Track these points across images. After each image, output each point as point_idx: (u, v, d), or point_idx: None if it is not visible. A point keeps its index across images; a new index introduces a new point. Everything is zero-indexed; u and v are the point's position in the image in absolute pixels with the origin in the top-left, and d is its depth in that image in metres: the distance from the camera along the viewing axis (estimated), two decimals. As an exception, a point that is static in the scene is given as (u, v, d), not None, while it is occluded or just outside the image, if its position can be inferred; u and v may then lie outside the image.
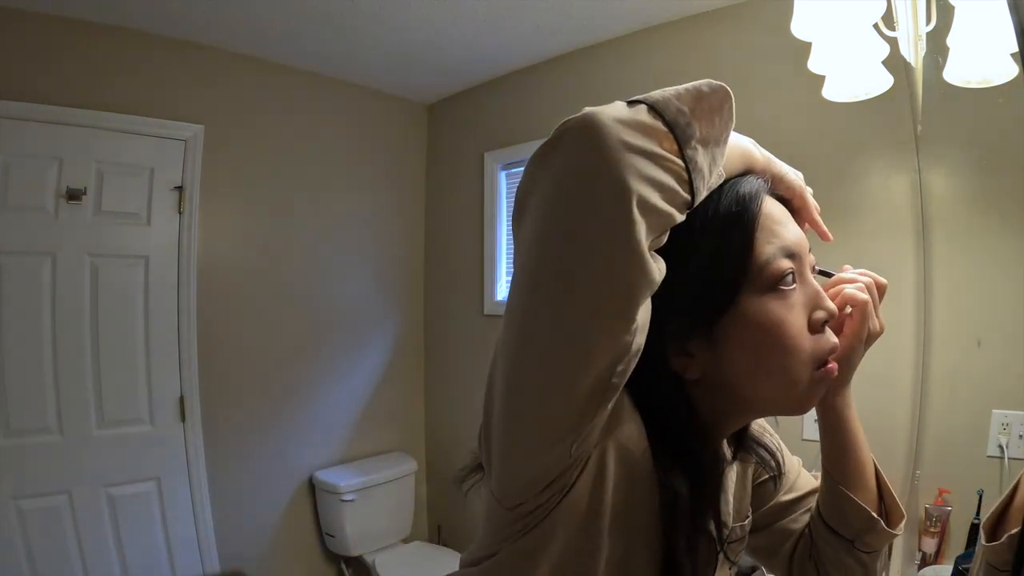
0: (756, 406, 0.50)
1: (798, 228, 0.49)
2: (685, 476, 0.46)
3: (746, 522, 0.59)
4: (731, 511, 0.56)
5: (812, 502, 0.62)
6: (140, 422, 1.92)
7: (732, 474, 0.57)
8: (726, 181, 0.46)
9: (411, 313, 2.69)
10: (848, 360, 0.51)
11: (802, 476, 0.66)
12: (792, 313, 0.45)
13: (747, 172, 0.48)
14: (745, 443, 0.58)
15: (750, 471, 0.61)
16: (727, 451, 0.55)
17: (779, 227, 0.47)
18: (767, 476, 0.63)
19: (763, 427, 0.63)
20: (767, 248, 0.45)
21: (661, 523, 0.45)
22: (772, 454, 0.61)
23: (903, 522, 0.57)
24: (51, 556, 1.73)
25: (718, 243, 0.44)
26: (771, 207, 0.48)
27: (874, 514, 0.55)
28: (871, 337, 0.52)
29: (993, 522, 0.56)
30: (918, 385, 1.38)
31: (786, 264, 0.45)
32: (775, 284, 0.45)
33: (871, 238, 1.49)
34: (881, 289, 0.53)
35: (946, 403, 1.32)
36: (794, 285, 0.46)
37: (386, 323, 2.60)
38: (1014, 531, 0.52)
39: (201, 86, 2.05)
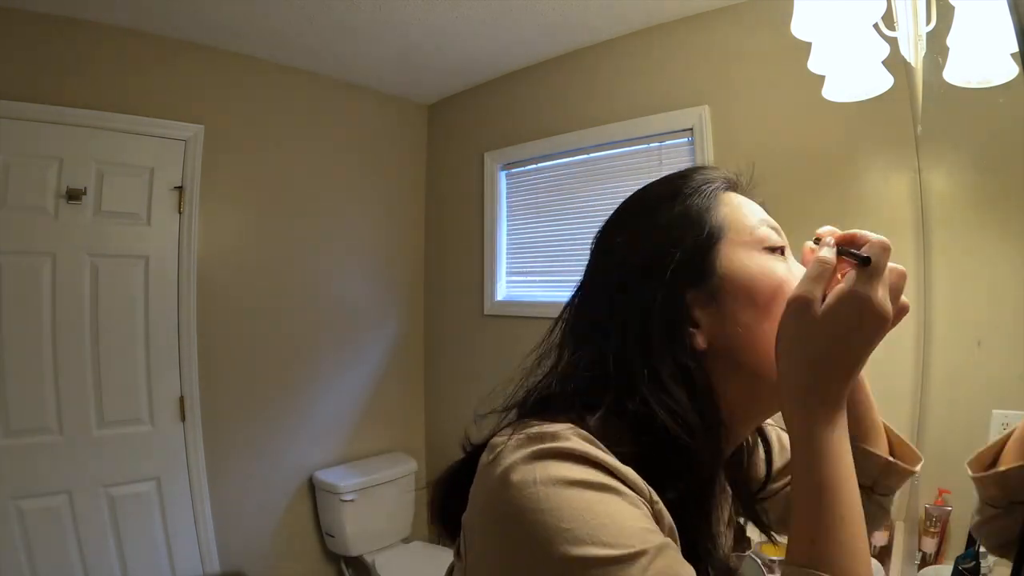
0: (764, 377, 0.47)
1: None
2: (685, 479, 0.45)
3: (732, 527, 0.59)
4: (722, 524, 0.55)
5: None
6: (140, 422, 1.92)
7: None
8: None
9: (411, 313, 2.69)
10: None
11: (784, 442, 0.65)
12: (791, 278, 0.48)
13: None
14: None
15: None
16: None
17: (759, 211, 0.53)
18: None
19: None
20: (753, 218, 0.51)
21: None
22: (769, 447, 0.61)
23: (920, 463, 0.59)
24: (51, 556, 1.73)
25: (688, 207, 0.50)
26: (743, 199, 0.53)
27: (890, 458, 0.58)
28: (899, 313, 0.46)
29: (986, 461, 0.62)
30: (918, 385, 1.38)
31: (775, 236, 0.50)
32: (765, 245, 0.49)
33: (871, 238, 1.49)
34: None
35: (946, 403, 1.32)
36: (783, 257, 0.50)
37: (386, 323, 2.60)
38: (1003, 468, 0.58)
39: (201, 86, 2.05)
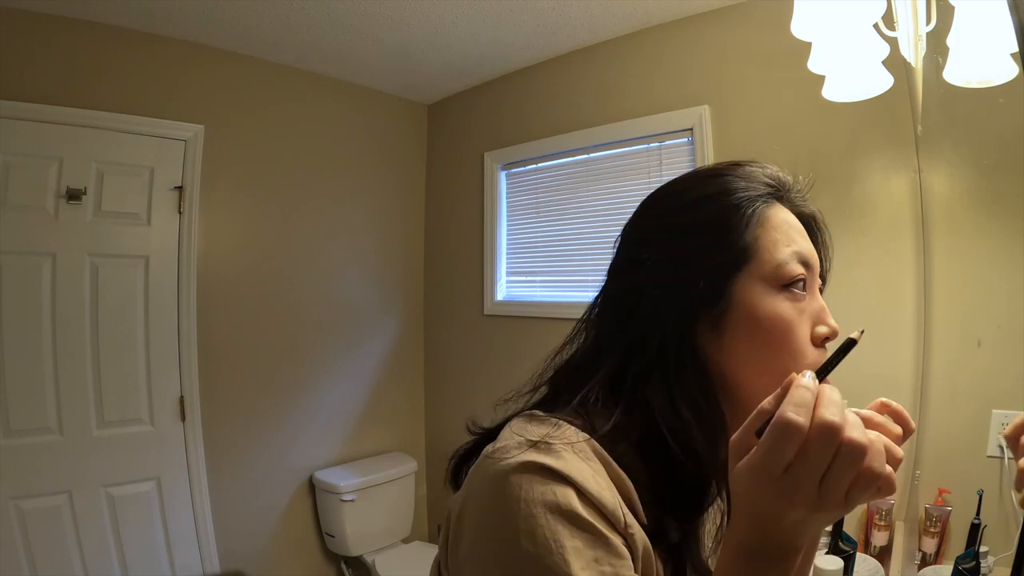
0: (747, 403, 0.46)
1: (812, 245, 0.51)
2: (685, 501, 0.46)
3: None
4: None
5: None
6: (140, 422, 1.92)
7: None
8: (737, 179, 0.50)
9: (411, 313, 2.69)
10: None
11: None
12: (801, 319, 0.47)
13: None
14: None
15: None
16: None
17: (797, 235, 0.50)
18: None
19: None
20: (784, 250, 0.48)
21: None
22: None
23: None
24: (51, 556, 1.73)
25: (721, 220, 0.48)
26: (788, 216, 0.50)
27: None
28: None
29: None
30: (918, 385, 1.38)
31: (799, 269, 0.47)
32: (787, 285, 0.47)
33: (871, 238, 1.49)
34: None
35: (946, 403, 1.32)
36: (804, 293, 0.48)
37: (386, 323, 2.60)
38: None
39: (201, 86, 2.05)
